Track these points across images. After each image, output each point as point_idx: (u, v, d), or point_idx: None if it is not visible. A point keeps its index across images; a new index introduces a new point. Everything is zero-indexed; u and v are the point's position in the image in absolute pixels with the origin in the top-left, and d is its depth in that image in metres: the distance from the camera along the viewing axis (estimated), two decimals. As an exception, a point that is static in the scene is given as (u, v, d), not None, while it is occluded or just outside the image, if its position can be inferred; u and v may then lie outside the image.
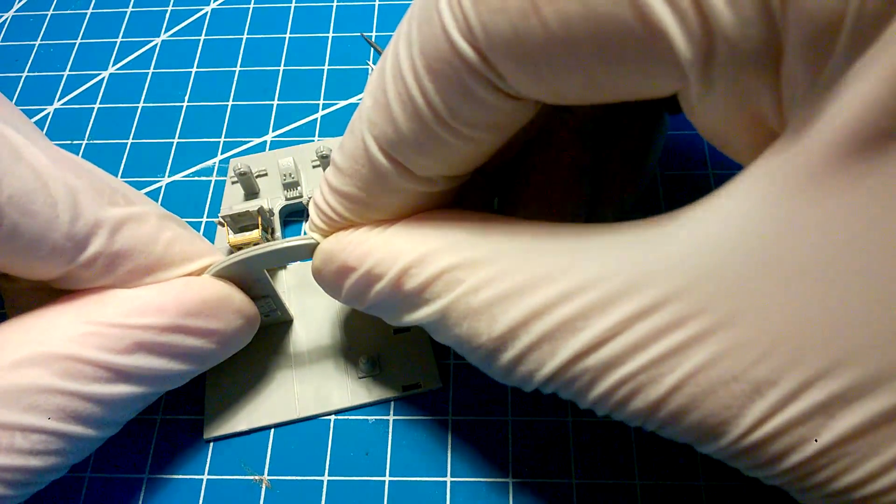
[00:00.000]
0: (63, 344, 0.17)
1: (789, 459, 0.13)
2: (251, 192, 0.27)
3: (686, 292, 0.13)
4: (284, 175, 0.27)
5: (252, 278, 0.22)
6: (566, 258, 0.15)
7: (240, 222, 0.25)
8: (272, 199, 0.27)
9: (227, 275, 0.21)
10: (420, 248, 0.17)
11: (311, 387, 0.24)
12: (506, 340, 0.16)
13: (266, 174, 0.28)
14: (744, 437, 0.13)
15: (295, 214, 0.28)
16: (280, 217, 0.27)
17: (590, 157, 0.22)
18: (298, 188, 0.27)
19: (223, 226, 0.25)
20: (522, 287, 0.15)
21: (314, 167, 0.28)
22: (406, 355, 0.24)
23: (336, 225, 0.19)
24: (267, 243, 0.20)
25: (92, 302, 0.18)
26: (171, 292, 0.19)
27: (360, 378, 0.24)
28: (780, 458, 0.13)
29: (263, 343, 0.25)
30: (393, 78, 0.16)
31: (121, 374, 0.18)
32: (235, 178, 0.27)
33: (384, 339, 0.25)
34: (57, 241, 0.17)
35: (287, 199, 0.27)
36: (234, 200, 0.27)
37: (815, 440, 0.13)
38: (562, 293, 0.15)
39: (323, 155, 0.27)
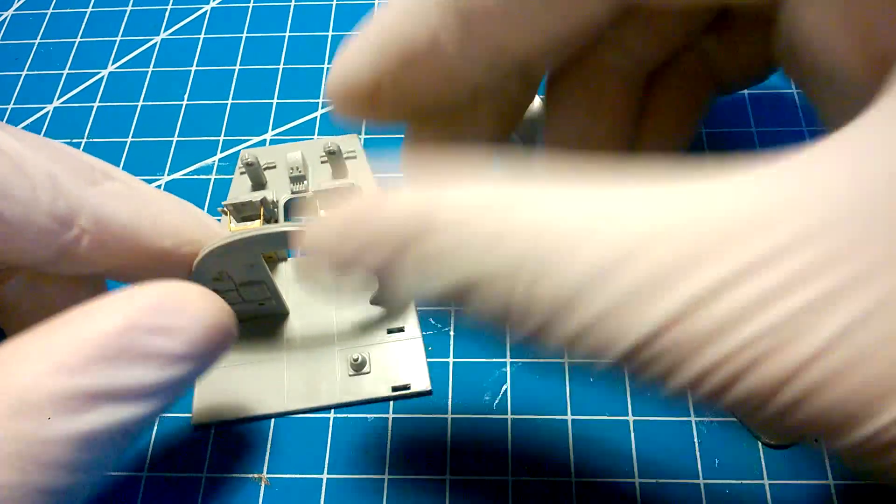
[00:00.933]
0: (9, 381, 0.14)
1: None
2: (258, 184, 0.27)
3: (827, 230, 0.11)
4: (292, 168, 0.27)
5: (247, 262, 0.21)
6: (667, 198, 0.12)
7: (242, 212, 0.25)
8: (278, 192, 0.27)
9: (220, 256, 0.20)
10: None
11: (302, 381, 0.24)
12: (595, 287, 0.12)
13: (274, 167, 0.28)
14: None
15: (299, 209, 0.28)
16: (284, 210, 0.27)
17: (634, 101, 0.21)
18: (305, 182, 0.27)
19: (226, 214, 0.25)
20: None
21: (322, 163, 0.28)
22: (398, 356, 0.24)
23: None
24: (265, 226, 0.20)
25: (43, 333, 0.15)
26: (121, 297, 0.16)
27: (350, 376, 0.24)
28: None
29: (257, 334, 0.25)
30: None
31: (83, 398, 0.14)
32: (243, 169, 0.27)
33: (377, 339, 0.25)
34: (42, 222, 0.17)
35: (293, 193, 0.27)
36: (241, 191, 0.27)
37: None
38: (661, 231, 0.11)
39: (330, 151, 0.27)
